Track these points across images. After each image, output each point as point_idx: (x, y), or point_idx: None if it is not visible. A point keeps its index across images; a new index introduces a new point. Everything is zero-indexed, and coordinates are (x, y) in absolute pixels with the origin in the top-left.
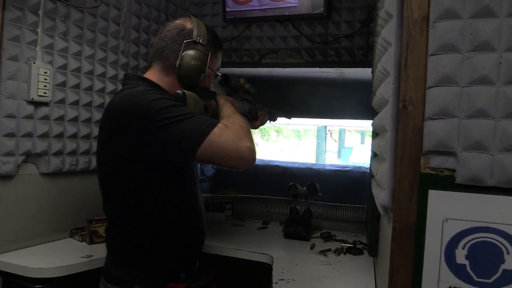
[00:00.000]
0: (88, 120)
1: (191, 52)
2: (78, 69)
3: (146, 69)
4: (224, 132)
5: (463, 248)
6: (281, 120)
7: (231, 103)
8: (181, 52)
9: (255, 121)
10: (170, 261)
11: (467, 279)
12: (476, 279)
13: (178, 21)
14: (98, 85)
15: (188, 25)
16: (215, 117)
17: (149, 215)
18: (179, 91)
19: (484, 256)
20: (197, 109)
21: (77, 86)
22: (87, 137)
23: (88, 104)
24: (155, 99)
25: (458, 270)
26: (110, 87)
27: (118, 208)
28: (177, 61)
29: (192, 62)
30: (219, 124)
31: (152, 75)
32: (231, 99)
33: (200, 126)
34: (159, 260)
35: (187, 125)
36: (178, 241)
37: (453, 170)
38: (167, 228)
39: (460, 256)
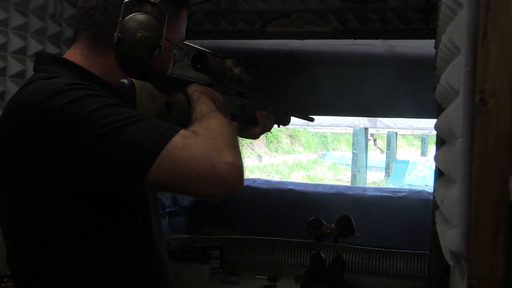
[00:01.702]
0: None
1: (137, 17)
2: None
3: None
4: (191, 142)
5: None
6: (297, 121)
7: (209, 98)
8: (120, 18)
9: (253, 125)
10: None
11: None
12: None
13: None
14: (14, 66)
15: None
16: (184, 119)
17: (73, 275)
18: (123, 80)
19: None
20: (153, 109)
21: None
22: None
23: (0, 96)
24: (80, 98)
25: None
26: (32, 69)
27: (28, 264)
28: (116, 33)
29: (139, 33)
30: (183, 131)
31: (76, 54)
32: (211, 92)
33: (152, 134)
34: None
35: (130, 134)
36: None
37: None
38: None
39: None
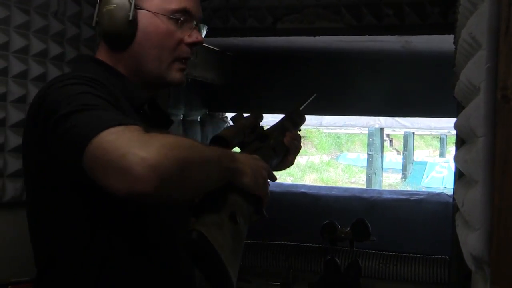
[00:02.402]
0: (1, 123)
1: None
2: None
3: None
4: (123, 132)
5: None
6: (310, 121)
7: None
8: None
9: (286, 155)
10: None
11: None
12: None
13: None
14: (16, 66)
15: None
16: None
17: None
18: (192, 236)
19: None
20: (227, 239)
21: None
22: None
23: (1, 98)
24: (68, 85)
25: None
26: (35, 69)
27: (40, 263)
28: (94, 18)
29: (105, 9)
30: (132, 126)
31: (101, 53)
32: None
33: (99, 121)
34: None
35: (86, 117)
36: None
37: None
38: None
39: None
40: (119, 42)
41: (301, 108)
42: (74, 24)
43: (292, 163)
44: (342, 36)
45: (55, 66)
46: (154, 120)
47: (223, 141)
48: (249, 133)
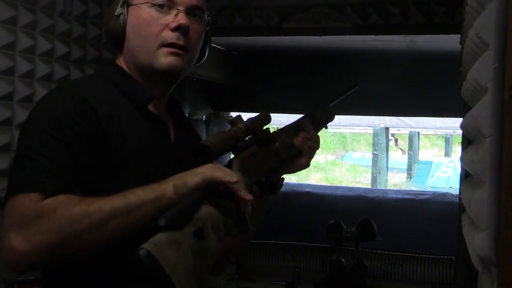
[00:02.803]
0: (7, 122)
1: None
2: (10, 46)
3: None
4: (22, 204)
5: None
6: None
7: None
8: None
9: (297, 157)
10: None
11: None
12: None
13: None
14: (22, 66)
15: None
16: (228, 231)
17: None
18: (136, 253)
19: None
20: (186, 258)
21: (10, 71)
22: (5, 148)
23: (8, 97)
24: (40, 110)
25: None
26: (41, 69)
27: None
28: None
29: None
30: (33, 194)
31: (116, 55)
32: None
33: (20, 181)
34: None
35: (18, 170)
36: None
37: None
38: None
39: None
40: (115, 40)
41: (332, 104)
42: (80, 24)
43: (304, 165)
44: (348, 36)
45: (61, 66)
46: (159, 121)
47: (205, 149)
48: (246, 136)
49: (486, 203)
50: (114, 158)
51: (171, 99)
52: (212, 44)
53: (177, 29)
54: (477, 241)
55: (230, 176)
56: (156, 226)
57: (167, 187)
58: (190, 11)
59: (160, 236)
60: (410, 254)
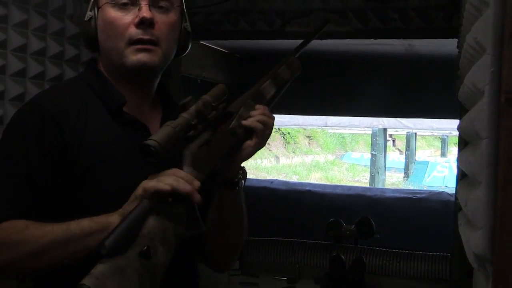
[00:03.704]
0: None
1: None
2: (2, 44)
3: None
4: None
5: None
6: (315, 120)
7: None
8: None
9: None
10: None
11: None
12: None
13: None
14: (34, 68)
15: None
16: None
17: None
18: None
19: None
20: (132, 279)
21: (1, 70)
22: None
23: (19, 99)
24: (8, 130)
25: None
26: (52, 71)
27: None
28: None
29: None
30: (16, 221)
31: (99, 61)
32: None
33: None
34: None
35: None
36: None
37: None
38: None
39: None
40: (90, 45)
41: (297, 55)
42: (73, 23)
43: (254, 148)
44: (348, 40)
45: (70, 68)
46: (136, 123)
47: (150, 150)
48: (199, 121)
49: (482, 203)
50: (76, 170)
51: (162, 95)
52: (213, 47)
53: (140, 23)
54: (473, 239)
55: (163, 183)
56: (98, 253)
57: (114, 219)
58: (153, 4)
59: (101, 267)
60: (407, 251)
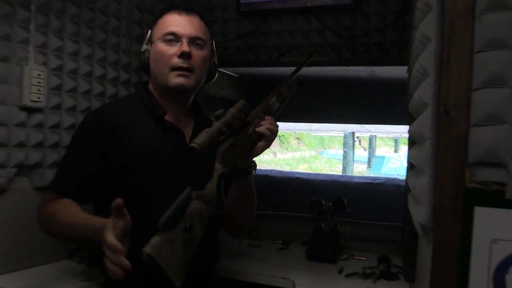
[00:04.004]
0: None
1: None
2: (74, 71)
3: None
4: (46, 197)
5: None
6: (302, 126)
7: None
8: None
9: (256, 143)
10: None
11: None
12: None
13: None
14: (97, 88)
15: None
16: (206, 214)
17: None
18: (142, 255)
19: None
20: (177, 252)
21: (74, 89)
22: (55, 145)
23: (87, 110)
24: (79, 126)
25: None
26: (110, 90)
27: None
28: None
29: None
30: (51, 193)
31: (150, 81)
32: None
33: (53, 180)
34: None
35: (57, 169)
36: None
37: (503, 184)
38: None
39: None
40: (144, 69)
41: (294, 77)
42: (136, 58)
43: (263, 148)
44: (326, 66)
45: (124, 88)
46: (174, 128)
47: (194, 151)
48: (228, 128)
49: (426, 187)
50: (129, 162)
51: (195, 108)
52: (228, 73)
53: (181, 55)
54: (419, 213)
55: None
56: (155, 228)
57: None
58: (191, 41)
59: (157, 239)
60: (370, 222)
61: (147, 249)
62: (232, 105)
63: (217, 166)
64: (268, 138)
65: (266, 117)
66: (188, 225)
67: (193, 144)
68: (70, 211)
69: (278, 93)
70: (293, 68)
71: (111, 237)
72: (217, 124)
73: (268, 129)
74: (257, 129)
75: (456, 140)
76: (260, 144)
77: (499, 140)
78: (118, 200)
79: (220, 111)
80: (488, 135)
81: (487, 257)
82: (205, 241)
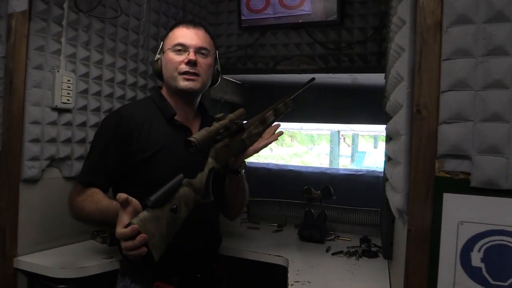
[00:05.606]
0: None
1: None
2: (99, 77)
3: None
4: (74, 188)
5: (479, 251)
6: (295, 125)
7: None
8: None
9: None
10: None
11: (482, 282)
12: (492, 282)
13: None
14: (118, 92)
15: None
16: (192, 201)
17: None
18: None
19: (500, 259)
20: (161, 227)
21: (98, 93)
22: (82, 141)
23: (109, 111)
24: (101, 122)
25: (473, 273)
26: (129, 94)
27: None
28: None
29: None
30: (78, 185)
31: (163, 86)
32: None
33: (81, 173)
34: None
35: (85, 161)
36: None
37: (468, 174)
38: None
39: (476, 259)
40: (158, 75)
41: (292, 97)
42: (152, 66)
43: (253, 153)
44: (315, 74)
45: (141, 92)
46: (183, 127)
47: (192, 143)
48: (225, 131)
49: (401, 176)
50: (145, 155)
51: (201, 109)
52: (231, 79)
53: (188, 63)
54: (395, 199)
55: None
56: (145, 204)
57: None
58: (197, 51)
59: (145, 213)
60: (353, 207)
61: (135, 221)
62: (234, 109)
63: (210, 161)
64: (259, 148)
65: (267, 131)
66: (175, 206)
67: (191, 138)
68: (93, 199)
69: (275, 108)
70: (287, 76)
71: (119, 228)
72: (216, 125)
73: (265, 144)
74: (261, 143)
75: (427, 135)
76: (251, 148)
77: (464, 135)
78: (123, 195)
79: (220, 115)
80: (454, 131)
81: (455, 237)
82: (207, 227)
